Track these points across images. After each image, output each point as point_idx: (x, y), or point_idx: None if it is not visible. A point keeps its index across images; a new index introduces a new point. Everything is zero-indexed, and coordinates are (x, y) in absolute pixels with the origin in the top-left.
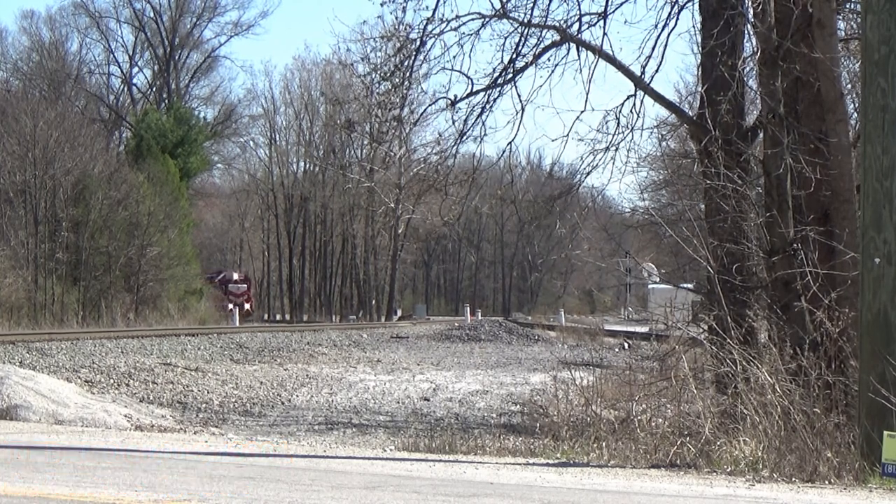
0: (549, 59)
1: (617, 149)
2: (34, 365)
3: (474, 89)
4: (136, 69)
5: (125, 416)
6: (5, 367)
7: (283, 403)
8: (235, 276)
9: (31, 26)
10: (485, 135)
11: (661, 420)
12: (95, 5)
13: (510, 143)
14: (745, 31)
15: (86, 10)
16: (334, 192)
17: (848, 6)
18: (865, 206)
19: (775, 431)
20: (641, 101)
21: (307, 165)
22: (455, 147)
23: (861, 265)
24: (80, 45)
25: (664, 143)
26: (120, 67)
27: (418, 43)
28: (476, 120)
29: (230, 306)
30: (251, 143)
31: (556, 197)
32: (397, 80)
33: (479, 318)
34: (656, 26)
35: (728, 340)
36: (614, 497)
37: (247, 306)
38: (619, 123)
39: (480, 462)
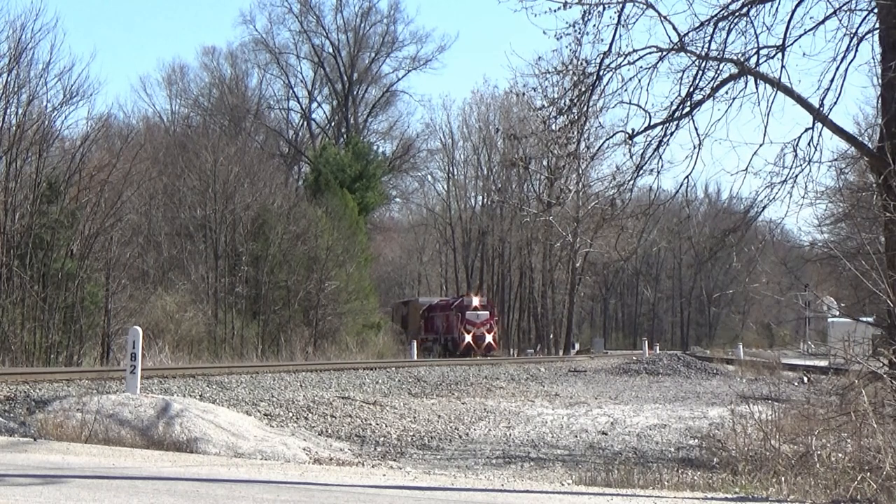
0: (726, 92)
1: (794, 182)
2: (214, 398)
3: (652, 123)
4: (314, 104)
5: (303, 449)
6: (185, 401)
7: (460, 437)
8: (475, 303)
9: (212, 62)
10: (661, 168)
11: (840, 455)
12: (276, 41)
13: (687, 176)
14: None
15: (266, 46)
16: (512, 225)
17: None
18: None
19: None
20: (819, 134)
21: (485, 199)
22: (632, 180)
23: None
24: (261, 80)
25: (843, 176)
26: (299, 102)
27: (595, 77)
28: (653, 153)
29: (467, 339)
30: (429, 177)
31: (732, 230)
32: (574, 114)
33: (657, 351)
34: (835, 58)
35: None
36: None
37: (488, 338)
38: (796, 156)
39: (658, 496)
